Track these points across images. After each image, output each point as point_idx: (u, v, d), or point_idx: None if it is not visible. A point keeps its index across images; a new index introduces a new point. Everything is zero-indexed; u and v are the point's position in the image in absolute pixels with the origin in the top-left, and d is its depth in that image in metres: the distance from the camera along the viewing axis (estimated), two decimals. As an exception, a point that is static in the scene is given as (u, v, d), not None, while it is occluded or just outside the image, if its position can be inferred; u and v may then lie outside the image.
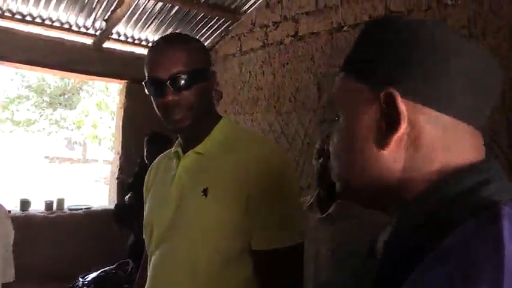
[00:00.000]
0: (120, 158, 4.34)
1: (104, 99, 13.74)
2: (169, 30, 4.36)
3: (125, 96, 4.42)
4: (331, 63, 3.08)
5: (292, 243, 1.03)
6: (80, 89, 15.44)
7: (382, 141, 0.54)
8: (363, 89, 0.56)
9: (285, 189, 1.06)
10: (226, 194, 1.04)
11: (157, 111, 1.10)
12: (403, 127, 0.52)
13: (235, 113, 4.17)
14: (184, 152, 1.16)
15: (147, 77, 1.09)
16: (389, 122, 0.53)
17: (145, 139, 3.26)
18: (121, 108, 4.52)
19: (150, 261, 1.18)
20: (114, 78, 4.43)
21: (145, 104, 4.61)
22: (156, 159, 1.36)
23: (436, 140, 0.53)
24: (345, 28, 3.01)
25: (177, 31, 4.40)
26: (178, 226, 1.09)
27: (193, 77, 1.05)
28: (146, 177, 1.35)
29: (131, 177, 3.48)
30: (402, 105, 0.51)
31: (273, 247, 1.02)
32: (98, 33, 4.14)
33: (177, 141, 1.23)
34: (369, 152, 0.56)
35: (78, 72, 4.20)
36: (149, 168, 1.36)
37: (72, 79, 14.32)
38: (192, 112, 1.07)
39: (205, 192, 1.05)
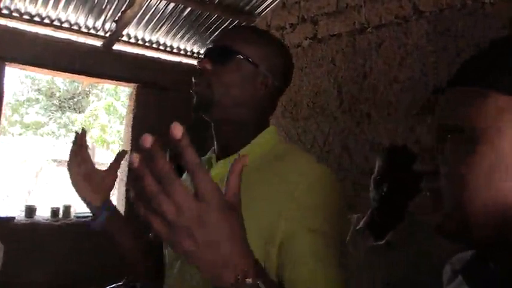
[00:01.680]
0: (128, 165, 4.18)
1: (112, 103, 13.65)
2: (181, 32, 4.22)
3: (135, 100, 4.27)
4: (353, 66, 2.90)
5: None
6: (89, 92, 15.40)
7: None
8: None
9: (329, 225, 0.86)
10: (258, 219, 0.85)
11: None
12: None
13: (248, 118, 4.00)
14: (218, 160, 1.00)
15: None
16: None
17: (168, 150, 3.06)
18: (130, 113, 4.37)
19: (165, 278, 1.03)
20: (123, 81, 4.29)
21: (157, 110, 4.44)
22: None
23: None
24: (369, 29, 2.83)
25: (190, 33, 4.26)
26: None
27: (238, 60, 0.94)
28: None
29: None
30: None
31: None
32: (107, 34, 4.00)
33: (212, 148, 1.06)
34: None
35: (87, 75, 4.06)
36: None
37: (81, 83, 14.30)
38: (210, 92, 0.94)
39: None
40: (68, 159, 1.05)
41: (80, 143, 1.05)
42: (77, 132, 1.07)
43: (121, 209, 4.16)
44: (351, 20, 2.96)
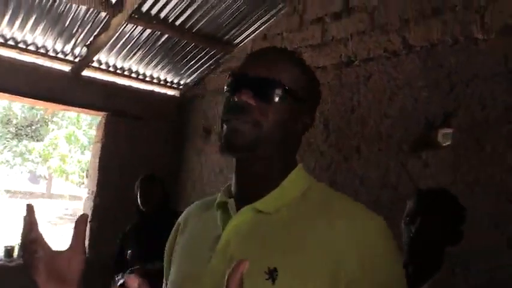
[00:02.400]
0: (95, 198, 3.88)
1: (74, 132, 13.12)
2: (156, 60, 4.06)
3: (104, 130, 4.02)
4: (340, 100, 2.82)
5: None
6: (49, 120, 14.78)
7: None
8: None
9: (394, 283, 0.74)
10: (310, 282, 0.69)
11: (221, 115, 0.82)
12: None
13: (226, 150, 3.83)
14: (238, 206, 0.81)
15: (233, 75, 0.84)
16: None
17: (138, 182, 2.82)
18: (98, 143, 4.10)
19: None
20: (92, 109, 4.04)
21: (127, 140, 4.17)
22: (186, 211, 1.00)
23: None
24: (356, 62, 2.77)
25: (164, 61, 4.10)
26: None
27: (284, 96, 0.79)
28: (171, 236, 0.99)
29: (127, 228, 2.90)
30: None
31: None
32: (77, 60, 3.78)
33: (225, 187, 0.89)
34: None
35: (53, 102, 3.79)
36: (176, 224, 0.99)
37: (42, 110, 13.71)
38: (257, 131, 0.77)
39: (271, 274, 0.69)
40: (20, 245, 0.78)
41: (31, 221, 0.76)
42: (27, 208, 0.78)
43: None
44: (337, 52, 2.90)
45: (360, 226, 0.74)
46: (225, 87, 0.83)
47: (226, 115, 0.80)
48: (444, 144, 2.23)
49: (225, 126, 0.79)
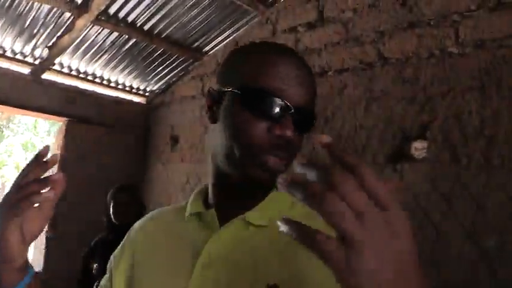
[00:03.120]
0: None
1: (31, 139, 12.52)
2: (122, 65, 3.90)
3: (64, 137, 3.80)
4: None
5: None
6: (4, 126, 14.06)
7: None
8: None
9: None
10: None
11: (244, 136, 0.69)
12: None
13: (193, 161, 3.70)
14: (222, 218, 0.72)
15: (257, 86, 0.69)
16: None
17: (111, 192, 2.64)
18: (57, 150, 3.87)
19: None
20: (52, 114, 3.81)
21: (89, 147, 3.95)
22: (137, 226, 0.88)
23: None
24: (330, 73, 2.74)
25: (131, 67, 3.95)
26: None
27: (313, 122, 0.76)
28: (119, 250, 0.86)
29: (94, 241, 2.69)
30: None
31: None
32: (37, 62, 3.57)
33: (195, 195, 0.80)
34: None
35: (9, 105, 3.54)
36: (129, 234, 0.87)
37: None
38: (287, 167, 0.71)
39: None
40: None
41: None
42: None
43: (39, 262, 3.57)
44: (310, 62, 2.84)
45: None
46: (250, 100, 0.69)
47: (276, 154, 0.68)
48: (416, 155, 2.21)
49: (267, 158, 0.68)
